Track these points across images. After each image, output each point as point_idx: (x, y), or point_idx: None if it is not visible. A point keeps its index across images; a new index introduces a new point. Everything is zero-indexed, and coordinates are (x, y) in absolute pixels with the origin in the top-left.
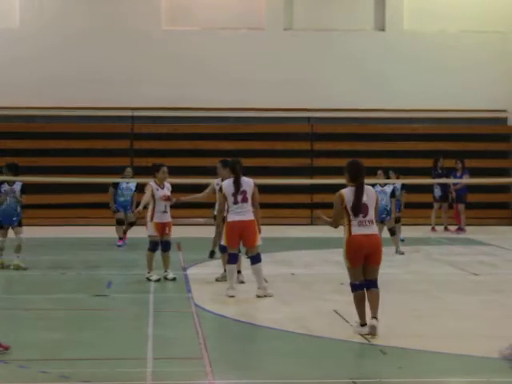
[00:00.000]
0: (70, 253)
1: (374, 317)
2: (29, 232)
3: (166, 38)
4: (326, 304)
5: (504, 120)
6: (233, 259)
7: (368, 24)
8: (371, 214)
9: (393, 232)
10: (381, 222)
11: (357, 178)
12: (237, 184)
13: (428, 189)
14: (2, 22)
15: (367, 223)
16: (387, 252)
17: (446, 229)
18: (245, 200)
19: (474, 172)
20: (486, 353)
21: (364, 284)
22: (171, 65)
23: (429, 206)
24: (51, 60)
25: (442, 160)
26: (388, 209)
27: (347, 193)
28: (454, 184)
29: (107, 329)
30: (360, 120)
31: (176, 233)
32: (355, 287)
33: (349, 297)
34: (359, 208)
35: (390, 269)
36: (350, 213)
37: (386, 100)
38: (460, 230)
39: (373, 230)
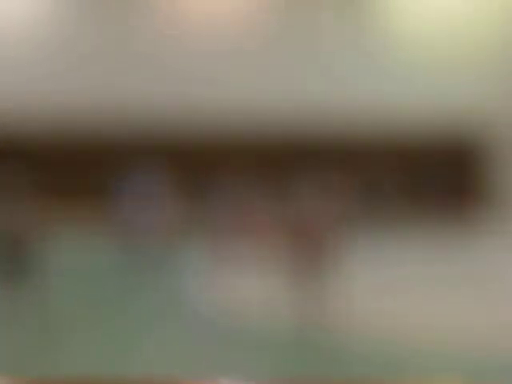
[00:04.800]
0: (71, 252)
1: None
2: None
3: (166, 40)
4: None
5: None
6: None
7: (361, 25)
8: None
9: None
10: None
11: None
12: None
13: None
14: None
15: None
16: None
17: None
18: None
19: None
20: (485, 351)
21: None
22: (173, 66)
23: None
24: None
25: None
26: None
27: None
28: None
29: (108, 328)
30: (356, 120)
31: None
32: None
33: None
34: None
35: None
36: None
37: (376, 101)
38: None
39: None
